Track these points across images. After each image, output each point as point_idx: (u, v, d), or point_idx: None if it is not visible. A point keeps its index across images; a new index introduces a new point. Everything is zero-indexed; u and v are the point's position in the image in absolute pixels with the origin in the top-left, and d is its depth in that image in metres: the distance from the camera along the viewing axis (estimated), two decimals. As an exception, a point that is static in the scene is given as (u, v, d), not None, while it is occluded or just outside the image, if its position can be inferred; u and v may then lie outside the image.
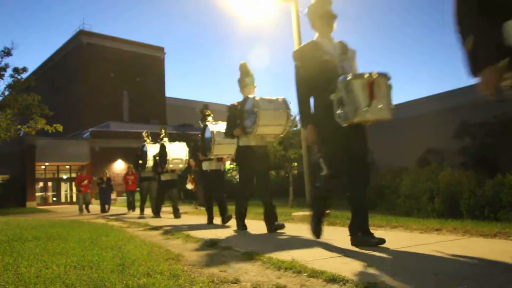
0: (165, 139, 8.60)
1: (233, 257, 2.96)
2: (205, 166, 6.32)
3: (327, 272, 2.19)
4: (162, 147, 8.36)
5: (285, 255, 2.74)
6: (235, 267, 2.62)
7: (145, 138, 10.37)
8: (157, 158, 8.85)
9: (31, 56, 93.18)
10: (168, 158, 8.07)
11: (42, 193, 28.25)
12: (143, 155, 9.84)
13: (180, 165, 8.40)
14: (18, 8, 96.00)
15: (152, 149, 9.64)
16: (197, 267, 2.68)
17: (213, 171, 6.25)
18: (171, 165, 8.20)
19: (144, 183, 10.23)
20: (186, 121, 33.90)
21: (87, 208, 14.08)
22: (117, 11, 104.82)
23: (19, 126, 16.62)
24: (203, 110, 6.63)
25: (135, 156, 10.56)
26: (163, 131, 8.79)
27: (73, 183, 15.15)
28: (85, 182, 14.26)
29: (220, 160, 6.25)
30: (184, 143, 8.52)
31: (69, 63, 36.45)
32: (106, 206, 14.06)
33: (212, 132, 5.90)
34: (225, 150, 5.99)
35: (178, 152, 8.26)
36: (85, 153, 26.69)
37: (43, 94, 18.45)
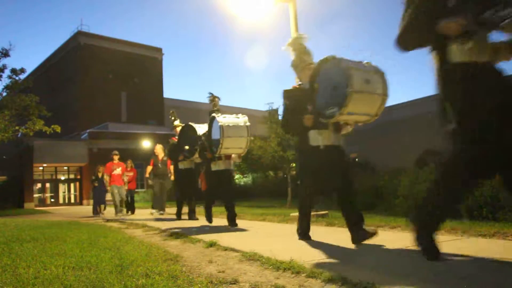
0: (219, 114, 5.94)
1: (232, 258, 2.96)
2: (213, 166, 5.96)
3: (325, 272, 2.19)
4: (214, 123, 5.74)
5: (284, 256, 2.74)
6: (234, 267, 2.62)
7: (172, 117, 8.18)
8: (203, 138, 6.35)
9: (29, 57, 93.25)
10: (222, 135, 5.39)
11: (40, 194, 28.20)
12: (182, 139, 7.31)
13: (240, 149, 5.76)
14: (16, 9, 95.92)
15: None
16: (196, 267, 2.67)
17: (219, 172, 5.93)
18: (226, 148, 5.56)
19: (183, 178, 7.79)
20: (184, 122, 33.93)
21: (118, 208, 10.63)
22: (115, 12, 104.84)
23: (17, 127, 16.58)
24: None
25: (168, 144, 8.39)
26: (216, 99, 6.34)
27: (103, 173, 11.59)
28: (118, 170, 10.76)
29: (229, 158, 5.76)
30: (245, 117, 5.83)
31: (67, 64, 36.41)
32: (102, 207, 12.23)
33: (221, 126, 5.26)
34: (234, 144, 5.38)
35: (237, 130, 5.59)
36: (83, 154, 26.65)
37: (41, 95, 18.42)
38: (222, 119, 5.59)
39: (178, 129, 7.66)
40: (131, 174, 11.84)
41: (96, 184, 12.24)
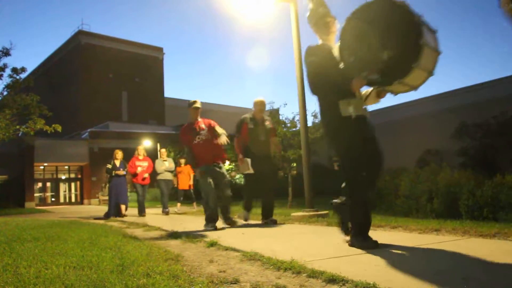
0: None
1: (233, 257, 2.96)
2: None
3: (326, 272, 2.19)
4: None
5: (285, 255, 2.74)
6: (235, 267, 2.62)
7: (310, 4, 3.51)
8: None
9: (29, 56, 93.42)
10: (428, 37, 2.68)
11: (40, 194, 28.26)
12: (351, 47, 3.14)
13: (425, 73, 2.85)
14: (17, 8, 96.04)
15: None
16: (197, 267, 2.68)
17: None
18: (419, 70, 2.73)
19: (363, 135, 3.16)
20: (185, 122, 33.94)
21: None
22: (116, 12, 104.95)
23: (18, 127, 16.58)
24: None
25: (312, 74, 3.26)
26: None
27: (121, 160, 8.97)
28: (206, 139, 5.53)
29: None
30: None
31: (68, 63, 36.46)
32: (123, 207, 8.86)
33: None
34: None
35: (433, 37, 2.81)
36: (84, 153, 26.71)
37: (42, 94, 18.44)
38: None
39: (336, 25, 3.38)
40: (144, 164, 8.83)
41: (114, 174, 8.86)
